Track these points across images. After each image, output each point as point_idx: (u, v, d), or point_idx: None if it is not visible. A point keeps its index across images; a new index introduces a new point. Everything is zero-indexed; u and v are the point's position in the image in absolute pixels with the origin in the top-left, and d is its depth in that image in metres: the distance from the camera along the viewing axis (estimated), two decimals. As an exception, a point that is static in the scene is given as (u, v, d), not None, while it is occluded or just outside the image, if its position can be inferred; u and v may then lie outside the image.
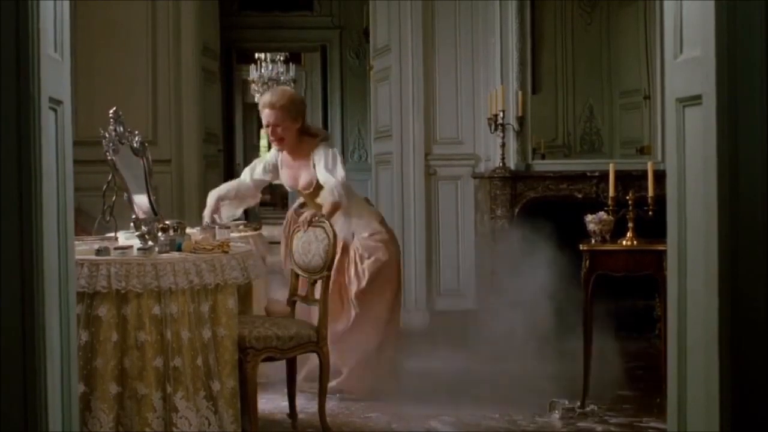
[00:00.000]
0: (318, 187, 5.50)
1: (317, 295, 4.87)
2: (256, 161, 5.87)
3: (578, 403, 5.17)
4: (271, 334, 4.56)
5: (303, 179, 5.56)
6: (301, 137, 5.54)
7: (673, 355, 3.04)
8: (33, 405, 2.50)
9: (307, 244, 4.96)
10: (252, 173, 5.76)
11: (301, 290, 5.07)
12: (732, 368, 2.56)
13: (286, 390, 5.04)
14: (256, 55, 17.83)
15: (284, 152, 5.63)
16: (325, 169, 5.42)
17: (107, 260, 4.19)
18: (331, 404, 5.23)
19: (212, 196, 5.63)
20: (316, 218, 4.97)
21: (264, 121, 5.55)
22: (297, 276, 5.07)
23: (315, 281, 4.91)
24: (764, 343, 2.52)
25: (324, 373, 4.75)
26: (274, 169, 5.72)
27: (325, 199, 5.38)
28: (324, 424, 4.73)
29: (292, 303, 5.07)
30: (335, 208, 5.33)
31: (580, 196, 6.96)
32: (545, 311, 6.97)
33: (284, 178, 5.70)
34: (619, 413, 5.13)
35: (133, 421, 4.14)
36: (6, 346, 2.46)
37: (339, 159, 5.54)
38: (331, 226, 4.89)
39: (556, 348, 6.63)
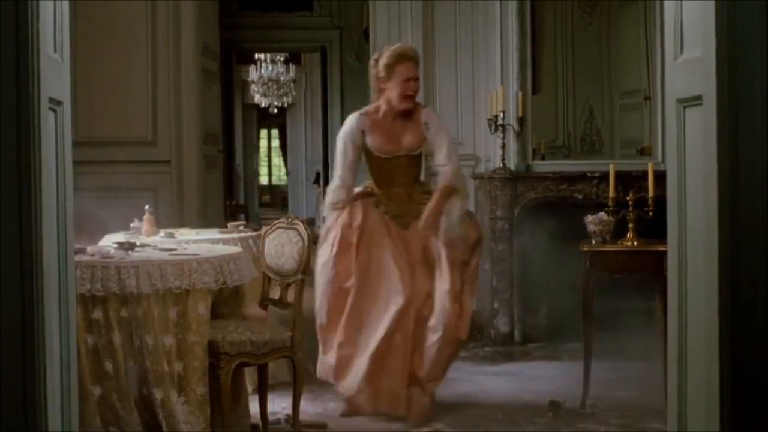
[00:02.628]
0: (420, 155, 5.30)
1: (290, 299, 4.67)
2: (338, 152, 5.35)
3: (578, 404, 5.18)
4: (246, 339, 4.37)
5: (409, 139, 5.25)
6: None
7: (673, 355, 3.04)
8: (33, 405, 2.50)
9: (280, 247, 4.76)
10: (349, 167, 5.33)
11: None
12: (732, 368, 2.56)
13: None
14: (256, 55, 17.84)
15: (377, 115, 5.27)
16: (448, 156, 5.23)
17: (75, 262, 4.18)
18: (333, 405, 5.25)
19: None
20: (290, 219, 4.78)
21: (403, 76, 5.16)
22: (269, 279, 4.87)
23: (288, 285, 4.70)
24: (764, 343, 2.53)
25: (298, 379, 4.60)
26: (362, 138, 5.28)
27: (449, 181, 5.19)
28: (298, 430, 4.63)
29: (263, 307, 4.87)
30: (449, 192, 5.15)
31: (580, 196, 6.95)
32: (545, 311, 6.98)
33: (377, 142, 5.26)
34: (620, 414, 5.12)
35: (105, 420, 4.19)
36: (6, 346, 2.46)
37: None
38: (305, 227, 4.69)
39: (556, 348, 6.64)
